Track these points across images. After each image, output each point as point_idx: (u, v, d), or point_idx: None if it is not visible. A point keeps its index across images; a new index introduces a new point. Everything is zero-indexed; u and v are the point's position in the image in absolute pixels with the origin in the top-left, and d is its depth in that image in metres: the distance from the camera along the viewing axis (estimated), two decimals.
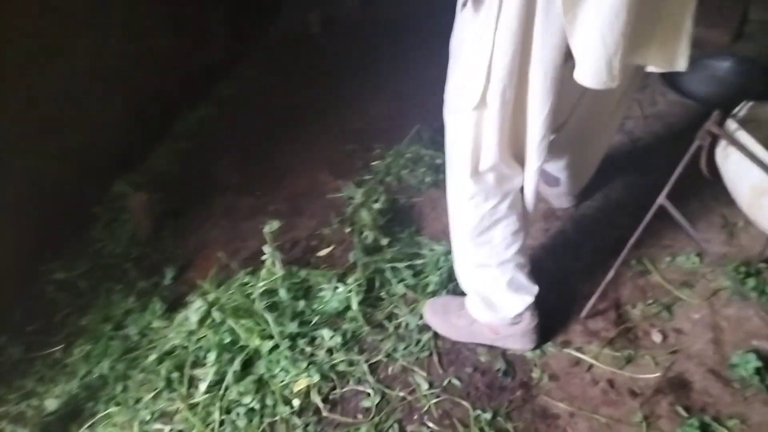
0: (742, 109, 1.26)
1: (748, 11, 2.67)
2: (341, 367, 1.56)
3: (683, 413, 1.37)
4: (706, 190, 1.93)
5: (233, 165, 2.41)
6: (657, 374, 1.47)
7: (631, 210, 1.94)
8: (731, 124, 1.22)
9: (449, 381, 1.52)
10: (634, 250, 1.71)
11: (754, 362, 1.42)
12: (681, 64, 1.07)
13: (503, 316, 1.47)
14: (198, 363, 1.60)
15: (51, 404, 1.55)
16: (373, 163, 2.23)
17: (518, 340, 1.52)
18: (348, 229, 1.88)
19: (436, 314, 1.61)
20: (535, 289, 1.45)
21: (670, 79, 2.36)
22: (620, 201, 1.97)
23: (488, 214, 1.30)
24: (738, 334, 1.54)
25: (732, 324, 1.57)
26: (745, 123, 1.22)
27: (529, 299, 1.44)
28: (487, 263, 1.39)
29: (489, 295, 1.45)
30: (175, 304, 1.80)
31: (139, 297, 1.83)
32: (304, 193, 2.19)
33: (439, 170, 2.13)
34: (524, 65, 1.08)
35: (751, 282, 1.63)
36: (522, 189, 1.31)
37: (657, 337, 1.56)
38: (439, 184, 2.12)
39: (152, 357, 1.62)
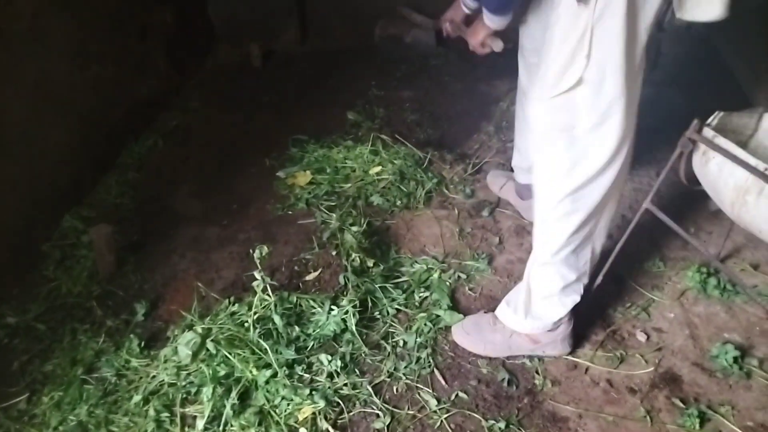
0: (715, 118, 1.40)
1: (660, 46, 3.00)
2: (345, 391, 1.52)
3: (680, 404, 1.46)
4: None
5: (192, 195, 2.31)
6: (649, 370, 1.55)
7: None
8: (708, 132, 1.34)
9: (456, 395, 1.52)
10: (604, 259, 1.82)
11: (732, 352, 1.55)
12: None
13: (544, 324, 1.52)
14: (188, 400, 1.50)
15: None
16: (342, 187, 2.22)
17: (558, 346, 1.57)
18: (334, 252, 1.85)
19: (470, 334, 1.61)
20: (581, 293, 1.52)
21: None
22: None
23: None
24: (710, 328, 1.67)
25: (703, 320, 1.70)
26: (717, 131, 1.35)
27: (572, 303, 1.51)
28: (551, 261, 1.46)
29: (535, 299, 1.51)
30: (151, 341, 1.68)
31: (110, 336, 1.68)
32: (274, 220, 2.14)
33: (409, 195, 2.16)
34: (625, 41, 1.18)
35: (713, 281, 1.78)
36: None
37: (641, 337, 1.65)
38: (410, 206, 2.15)
39: (136, 398, 1.49)
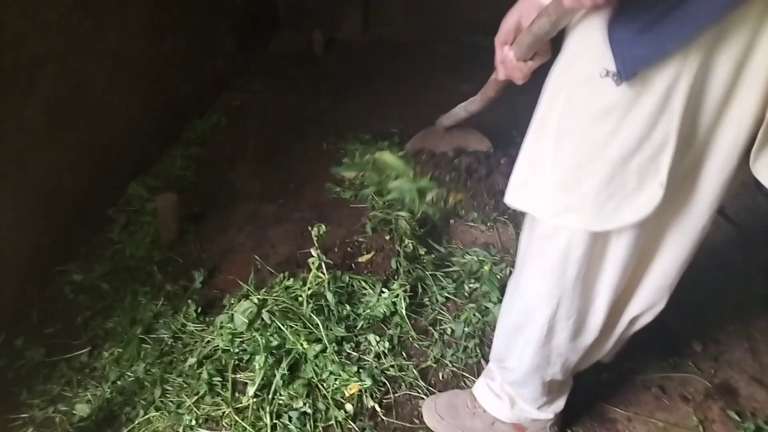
0: None
1: None
2: (391, 372, 1.53)
3: (736, 417, 1.42)
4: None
5: (251, 173, 2.37)
6: (704, 380, 1.51)
7: None
8: None
9: None
10: None
11: None
12: None
13: (532, 415, 1.31)
14: (240, 367, 1.54)
15: (82, 409, 1.44)
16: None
17: None
18: (387, 237, 1.86)
19: (444, 418, 1.39)
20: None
21: None
22: None
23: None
24: None
25: (764, 334, 1.64)
26: None
27: (560, 407, 1.32)
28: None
29: (519, 395, 1.30)
30: (207, 308, 1.73)
31: (168, 300, 1.75)
32: (329, 202, 2.18)
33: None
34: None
35: None
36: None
37: (698, 346, 1.61)
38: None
39: (191, 360, 1.54)
